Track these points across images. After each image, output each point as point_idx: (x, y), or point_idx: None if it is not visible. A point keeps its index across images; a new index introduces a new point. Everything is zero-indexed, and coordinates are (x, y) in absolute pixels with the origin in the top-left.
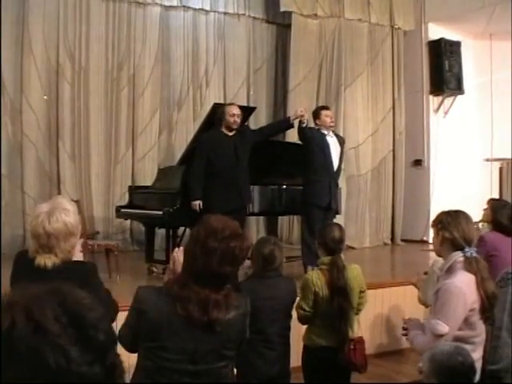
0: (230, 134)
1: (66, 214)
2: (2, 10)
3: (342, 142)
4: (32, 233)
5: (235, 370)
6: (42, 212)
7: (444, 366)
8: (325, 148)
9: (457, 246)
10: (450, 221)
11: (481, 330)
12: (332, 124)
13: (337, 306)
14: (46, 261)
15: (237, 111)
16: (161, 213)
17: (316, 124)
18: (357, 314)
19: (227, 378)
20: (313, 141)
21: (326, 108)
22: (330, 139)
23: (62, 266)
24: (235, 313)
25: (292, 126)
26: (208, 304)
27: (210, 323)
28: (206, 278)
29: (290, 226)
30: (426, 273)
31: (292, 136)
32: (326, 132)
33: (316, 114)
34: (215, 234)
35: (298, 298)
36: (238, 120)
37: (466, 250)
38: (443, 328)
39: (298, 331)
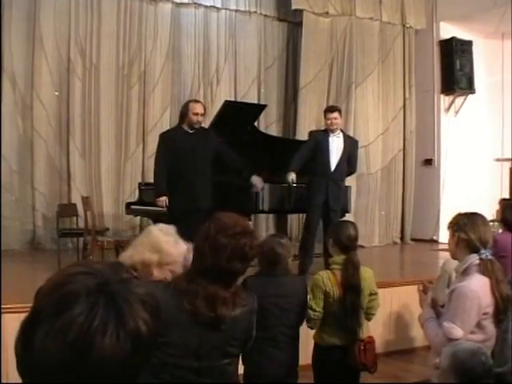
0: (191, 131)
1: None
2: (13, 7)
3: (352, 143)
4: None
5: (242, 369)
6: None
7: (466, 364)
8: (324, 148)
9: (473, 248)
10: (467, 222)
11: (492, 333)
12: (333, 127)
13: (350, 304)
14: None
15: (200, 110)
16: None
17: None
18: (369, 319)
19: (231, 376)
20: (313, 142)
21: (329, 110)
22: (332, 140)
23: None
24: (241, 310)
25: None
26: (216, 300)
27: (216, 320)
28: (214, 274)
29: (300, 224)
30: (430, 281)
31: (303, 134)
32: (330, 132)
33: (324, 115)
34: (225, 230)
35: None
36: (201, 119)
37: (482, 252)
38: (458, 332)
39: (307, 329)
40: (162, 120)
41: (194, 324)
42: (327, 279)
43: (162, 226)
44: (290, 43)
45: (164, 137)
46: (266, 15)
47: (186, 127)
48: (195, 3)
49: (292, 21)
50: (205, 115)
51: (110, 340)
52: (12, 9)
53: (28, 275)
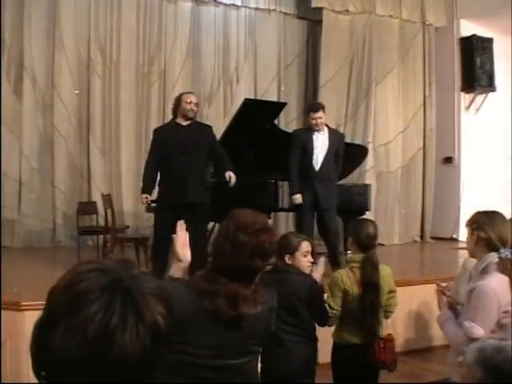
0: (184, 123)
1: None
2: (33, 6)
3: (338, 137)
4: None
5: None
6: None
7: (494, 359)
8: (308, 148)
9: (492, 247)
10: (486, 220)
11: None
12: (318, 127)
13: (369, 302)
14: None
15: (194, 99)
16: None
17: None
18: (387, 317)
19: (251, 373)
20: (298, 143)
21: (312, 110)
22: (317, 138)
23: None
24: (261, 308)
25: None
26: (237, 298)
27: (237, 318)
28: (235, 272)
29: None
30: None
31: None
32: (315, 131)
33: (307, 113)
34: (245, 227)
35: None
36: (195, 108)
37: (502, 250)
38: (479, 331)
39: (326, 328)
40: None
41: (215, 323)
42: (346, 277)
43: None
44: (309, 41)
45: (156, 131)
46: (285, 13)
47: (179, 120)
48: (215, 1)
49: (312, 19)
50: (198, 106)
51: (129, 335)
52: (32, 8)
53: (48, 273)
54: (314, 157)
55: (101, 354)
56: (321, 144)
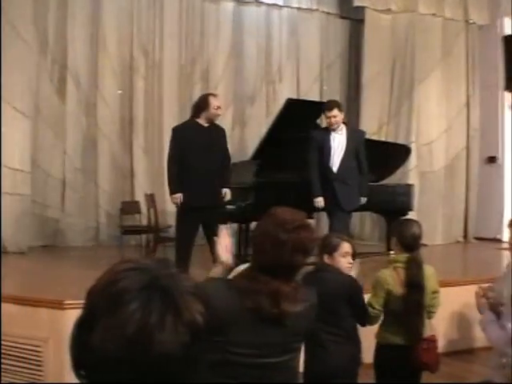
0: (205, 125)
1: None
2: (76, 7)
3: (357, 136)
4: None
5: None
6: None
7: None
8: (325, 149)
9: None
10: None
11: None
12: (334, 126)
13: (414, 304)
14: None
15: (220, 104)
16: (233, 207)
17: None
18: (430, 317)
19: (293, 372)
20: (316, 145)
21: (327, 108)
22: (334, 138)
23: None
24: (303, 306)
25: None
26: (279, 296)
27: (280, 316)
28: (276, 269)
29: (362, 221)
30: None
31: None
32: (332, 130)
33: (323, 112)
34: (284, 225)
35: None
36: (220, 113)
37: None
38: None
39: (368, 328)
40: (224, 118)
41: (258, 321)
42: (390, 277)
43: None
44: (352, 40)
45: (177, 131)
46: (327, 13)
47: (201, 121)
48: (257, 1)
49: (354, 18)
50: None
51: (168, 334)
52: (75, 9)
53: (91, 272)
54: (331, 158)
55: (140, 353)
56: (338, 144)
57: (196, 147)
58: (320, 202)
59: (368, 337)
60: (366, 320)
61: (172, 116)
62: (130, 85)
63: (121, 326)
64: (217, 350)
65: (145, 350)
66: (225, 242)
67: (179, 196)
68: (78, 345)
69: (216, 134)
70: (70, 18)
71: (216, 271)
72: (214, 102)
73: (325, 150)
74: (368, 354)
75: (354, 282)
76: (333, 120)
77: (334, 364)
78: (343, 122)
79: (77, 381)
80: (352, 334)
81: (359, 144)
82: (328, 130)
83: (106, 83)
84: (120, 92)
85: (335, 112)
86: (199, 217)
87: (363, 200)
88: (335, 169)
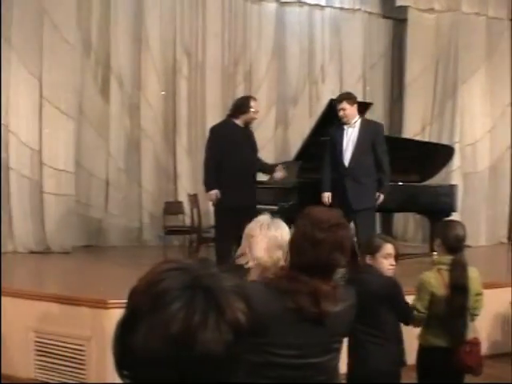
0: (242, 126)
1: (283, 228)
2: (119, 9)
3: (372, 129)
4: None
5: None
6: (263, 219)
7: None
8: (337, 143)
9: None
10: None
11: None
12: (344, 119)
13: (458, 306)
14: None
15: (259, 108)
16: (276, 207)
17: None
18: (473, 319)
19: (333, 372)
20: (331, 140)
21: (337, 101)
22: (347, 132)
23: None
24: (342, 306)
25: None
26: (318, 295)
27: (320, 316)
28: (315, 269)
29: (406, 223)
30: None
31: (409, 132)
32: (345, 125)
33: None
34: (321, 224)
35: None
36: (257, 117)
37: None
38: None
39: (410, 330)
40: (268, 118)
41: (298, 322)
42: (434, 279)
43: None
44: (395, 40)
45: (216, 131)
46: (370, 12)
47: (239, 122)
48: (299, 2)
49: (396, 18)
50: None
51: (212, 333)
52: (118, 10)
53: (134, 272)
54: (343, 153)
55: (184, 352)
56: (349, 138)
57: (234, 147)
58: (325, 197)
59: (410, 339)
60: (410, 319)
61: (215, 117)
62: (173, 86)
63: (164, 326)
64: (258, 351)
65: (188, 349)
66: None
67: (215, 192)
68: (121, 345)
69: (251, 135)
70: (113, 19)
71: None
72: (254, 105)
73: (337, 146)
74: (410, 356)
75: (395, 284)
76: (341, 113)
77: (374, 365)
78: (360, 116)
79: (119, 380)
80: (393, 336)
81: (376, 138)
82: (341, 125)
83: (149, 84)
84: (163, 93)
85: (344, 104)
86: (237, 216)
87: (381, 198)
88: (346, 164)
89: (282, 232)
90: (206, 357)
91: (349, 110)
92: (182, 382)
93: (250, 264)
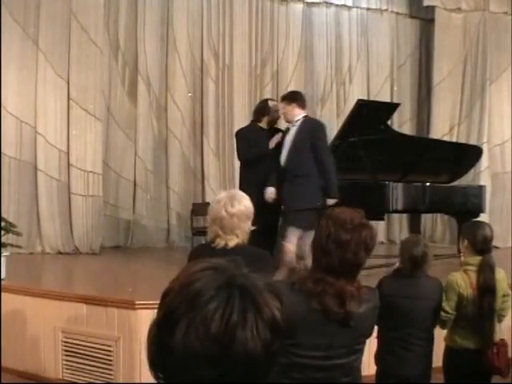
0: (265, 128)
1: (245, 199)
2: (147, 11)
3: (309, 127)
4: (214, 217)
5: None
6: (223, 197)
7: None
8: (282, 146)
9: None
10: None
11: None
12: (286, 120)
13: (486, 307)
14: (228, 242)
15: (278, 106)
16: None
17: None
18: (500, 320)
19: (357, 372)
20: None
21: (281, 99)
22: (289, 132)
23: (242, 246)
24: (366, 306)
25: None
26: (344, 296)
27: (346, 316)
28: (341, 269)
29: (434, 224)
30: None
31: (437, 133)
32: (290, 126)
33: None
34: (345, 225)
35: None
36: (281, 114)
37: None
38: None
39: (438, 331)
40: None
41: (324, 323)
42: (461, 280)
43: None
44: (422, 40)
45: (244, 133)
46: (397, 13)
47: (262, 124)
48: (326, 2)
49: (424, 18)
50: None
51: (250, 331)
52: (146, 12)
53: (162, 273)
54: (282, 152)
55: (223, 352)
56: (289, 138)
57: (259, 150)
58: (269, 192)
59: (437, 340)
60: (439, 322)
61: (242, 118)
62: (201, 87)
63: (203, 325)
64: (284, 352)
65: (227, 348)
66: (292, 244)
67: (271, 190)
68: (157, 345)
69: (271, 136)
70: (140, 21)
71: (279, 275)
72: (273, 105)
73: (282, 148)
74: (435, 357)
75: (441, 286)
76: (280, 113)
77: (417, 366)
78: (306, 116)
79: (148, 380)
80: (431, 337)
81: (313, 135)
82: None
83: (177, 86)
84: (190, 95)
85: (282, 105)
86: (269, 217)
87: (330, 202)
88: (282, 163)
89: (245, 203)
90: (244, 355)
91: (285, 110)
92: (222, 381)
93: (230, 244)
